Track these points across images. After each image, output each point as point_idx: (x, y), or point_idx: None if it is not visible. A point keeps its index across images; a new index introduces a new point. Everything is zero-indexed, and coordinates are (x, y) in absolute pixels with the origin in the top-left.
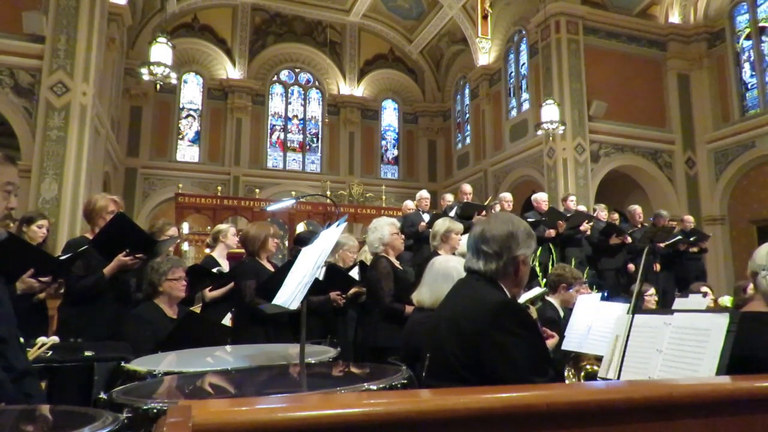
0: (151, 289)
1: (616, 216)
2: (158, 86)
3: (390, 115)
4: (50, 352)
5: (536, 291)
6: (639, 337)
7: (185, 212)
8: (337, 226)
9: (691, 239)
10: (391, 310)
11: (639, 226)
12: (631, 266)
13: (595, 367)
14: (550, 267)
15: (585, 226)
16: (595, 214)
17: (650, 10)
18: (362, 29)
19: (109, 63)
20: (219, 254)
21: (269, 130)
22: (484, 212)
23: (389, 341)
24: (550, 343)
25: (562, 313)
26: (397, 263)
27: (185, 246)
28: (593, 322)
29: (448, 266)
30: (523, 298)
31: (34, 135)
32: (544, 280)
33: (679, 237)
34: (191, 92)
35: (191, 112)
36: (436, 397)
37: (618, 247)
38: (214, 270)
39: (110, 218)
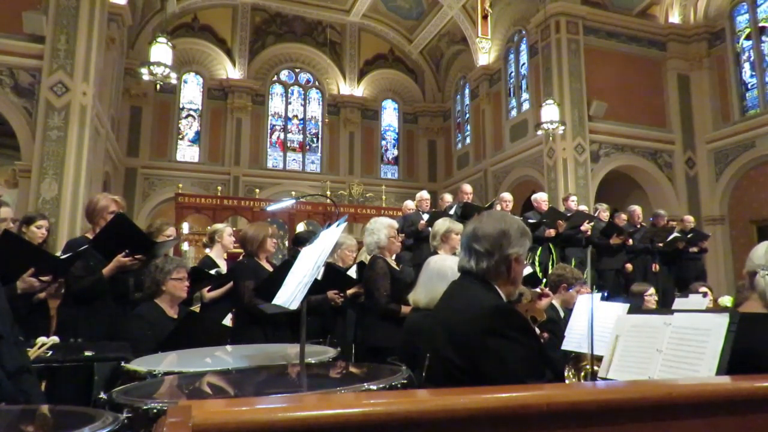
0: (155, 287)
1: (624, 217)
2: (158, 86)
3: (390, 115)
4: (50, 352)
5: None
6: (639, 337)
7: (185, 212)
8: (337, 226)
9: (688, 236)
10: (387, 311)
11: (638, 226)
12: (629, 266)
13: (596, 368)
14: (550, 267)
15: (586, 226)
16: (596, 214)
17: (650, 10)
18: (362, 29)
19: (109, 63)
20: (217, 254)
21: (269, 130)
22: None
23: (388, 341)
24: (545, 302)
25: (562, 313)
26: (393, 264)
27: (185, 246)
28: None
29: (444, 266)
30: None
31: (34, 135)
32: (545, 280)
33: (677, 235)
34: (191, 92)
35: (191, 112)
36: (436, 397)
37: (618, 247)
38: (213, 271)
39: (110, 218)
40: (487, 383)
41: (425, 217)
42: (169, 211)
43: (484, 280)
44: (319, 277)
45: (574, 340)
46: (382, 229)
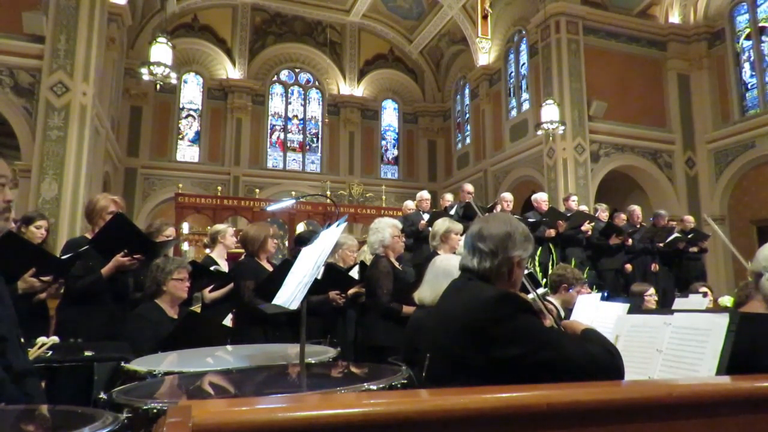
0: (156, 287)
1: (623, 217)
2: (158, 86)
3: (390, 115)
4: (50, 352)
5: (538, 291)
6: (639, 337)
7: (185, 212)
8: (337, 226)
9: (689, 236)
10: (389, 310)
11: (638, 226)
12: (629, 266)
13: None
14: (550, 267)
15: (587, 227)
16: (596, 215)
17: (650, 10)
18: (362, 29)
19: (109, 63)
20: (218, 255)
21: (269, 130)
22: (486, 215)
23: (388, 341)
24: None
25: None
26: (397, 264)
27: (185, 246)
28: (593, 322)
29: (450, 264)
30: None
31: (34, 135)
32: (545, 280)
33: (677, 235)
34: (191, 92)
35: (191, 112)
36: (436, 397)
37: (618, 247)
38: (212, 268)
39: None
40: (514, 368)
41: (425, 217)
42: (169, 211)
43: (484, 278)
44: (319, 277)
45: None
46: (386, 228)
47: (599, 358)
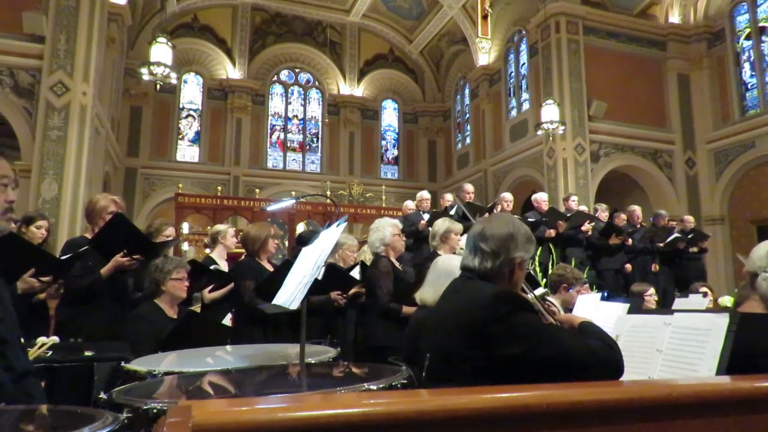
0: (155, 287)
1: (623, 217)
2: (158, 86)
3: (390, 115)
4: (50, 352)
5: (538, 291)
6: (639, 337)
7: (185, 212)
8: (337, 226)
9: (689, 236)
10: (388, 310)
11: (638, 226)
12: (629, 266)
13: None
14: (550, 267)
15: (587, 227)
16: (596, 215)
17: (650, 10)
18: (362, 29)
19: (109, 63)
20: (218, 255)
21: (269, 130)
22: (486, 214)
23: (389, 341)
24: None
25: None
26: (397, 264)
27: (185, 246)
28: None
29: (451, 265)
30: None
31: (34, 135)
32: (545, 280)
33: (677, 235)
34: (191, 92)
35: (191, 112)
36: (436, 397)
37: (618, 247)
38: (212, 268)
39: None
40: (514, 366)
41: (425, 217)
42: (169, 211)
43: (485, 278)
44: (319, 278)
45: None
46: (386, 226)
47: (599, 352)
